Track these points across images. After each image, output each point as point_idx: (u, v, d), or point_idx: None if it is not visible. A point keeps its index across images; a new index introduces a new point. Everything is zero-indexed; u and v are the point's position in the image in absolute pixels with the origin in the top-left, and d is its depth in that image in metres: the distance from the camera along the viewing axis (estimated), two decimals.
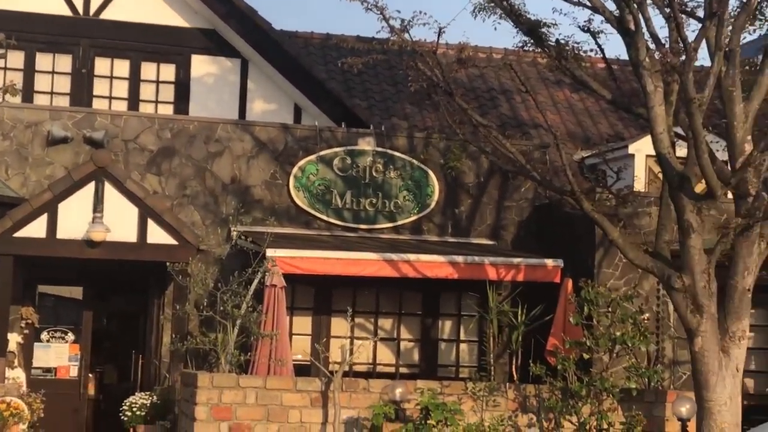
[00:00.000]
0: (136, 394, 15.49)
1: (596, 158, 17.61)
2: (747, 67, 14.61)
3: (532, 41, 13.94)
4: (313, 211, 16.44)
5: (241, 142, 16.38)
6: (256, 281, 14.06)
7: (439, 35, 13.24)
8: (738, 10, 12.76)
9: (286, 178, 16.43)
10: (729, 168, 12.63)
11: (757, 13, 14.24)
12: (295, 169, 16.44)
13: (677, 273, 12.56)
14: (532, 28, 13.68)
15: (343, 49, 17.15)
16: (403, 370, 16.46)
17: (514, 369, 14.82)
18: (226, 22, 17.71)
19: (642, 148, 17.12)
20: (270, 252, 14.31)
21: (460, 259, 15.36)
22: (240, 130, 16.45)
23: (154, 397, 15.12)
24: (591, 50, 13.96)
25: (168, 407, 14.95)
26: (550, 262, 15.54)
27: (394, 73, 19.69)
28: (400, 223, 16.76)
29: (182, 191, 16.11)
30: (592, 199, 14.00)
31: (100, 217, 15.20)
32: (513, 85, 19.83)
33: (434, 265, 15.27)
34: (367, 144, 16.77)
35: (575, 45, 13.78)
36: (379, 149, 16.76)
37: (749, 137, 12.69)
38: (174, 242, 15.44)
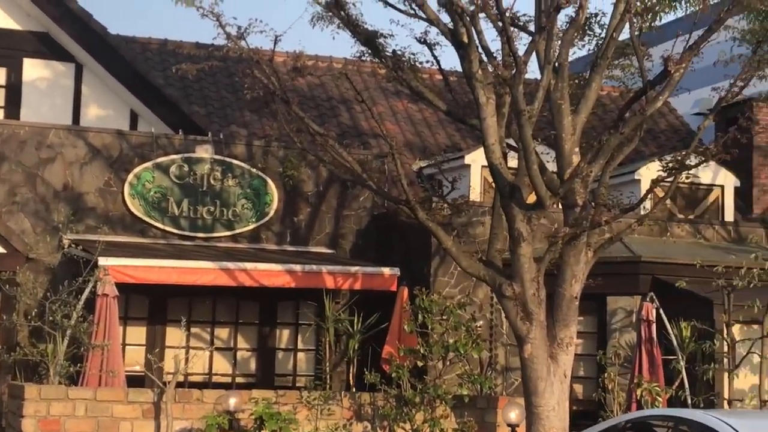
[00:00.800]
0: None
1: (433, 168, 17.85)
2: (577, 81, 15.02)
3: (369, 51, 14.02)
4: (148, 219, 16.18)
5: (74, 148, 16.01)
6: (87, 290, 13.76)
7: (275, 43, 13.20)
8: (567, 25, 13.09)
9: (120, 185, 16.13)
10: (558, 179, 12.93)
11: (586, 28, 14.70)
12: (130, 177, 16.16)
13: (508, 281, 12.78)
14: (369, 39, 13.76)
15: (182, 56, 16.97)
16: (239, 379, 16.34)
17: (350, 377, 14.90)
18: (60, 26, 17.28)
19: (478, 159, 17.43)
20: (102, 261, 14.02)
21: (297, 267, 15.34)
22: (73, 135, 16.08)
23: None
24: (427, 62, 14.12)
25: None
26: (387, 270, 15.66)
27: (234, 81, 19.56)
28: (238, 231, 16.64)
29: (12, 198, 15.64)
30: (428, 208, 14.16)
31: None
32: (353, 94, 19.92)
33: (271, 273, 15.21)
34: (204, 151, 16.61)
35: (412, 56, 13.92)
36: (218, 157, 16.62)
37: (577, 149, 13.01)
38: (2, 250, 14.98)
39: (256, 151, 16.86)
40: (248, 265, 15.09)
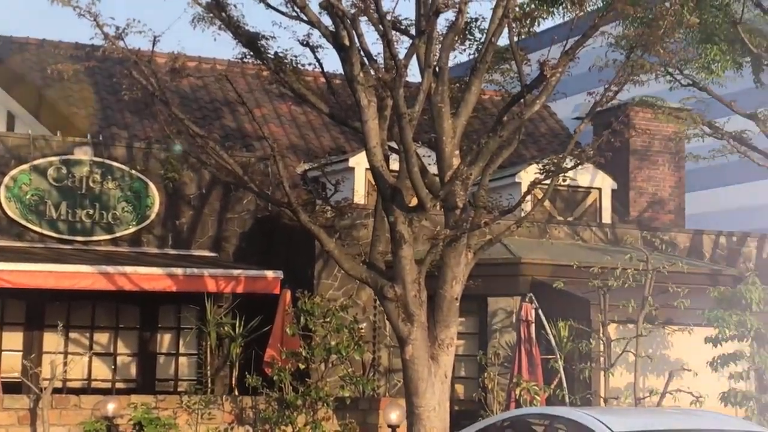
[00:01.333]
0: None
1: (318, 171, 17.82)
2: (458, 85, 15.16)
3: (251, 53, 13.97)
4: (25, 223, 15.86)
5: None
6: None
7: (153, 44, 13.07)
8: (447, 29, 13.21)
9: None
10: (439, 181, 13.04)
11: (466, 33, 14.85)
12: (6, 179, 15.82)
13: (390, 283, 12.85)
14: (250, 40, 13.71)
15: (61, 56, 16.59)
16: (119, 385, 16.11)
17: (233, 381, 14.81)
18: None
19: (362, 162, 17.46)
20: None
21: (179, 271, 15.19)
22: None
23: None
24: (310, 64, 14.12)
25: None
26: (270, 273, 15.60)
27: (114, 82, 19.21)
28: (118, 234, 16.42)
29: None
30: (310, 211, 14.17)
31: None
32: (236, 96, 19.79)
33: (152, 277, 15.03)
34: (84, 153, 16.33)
35: (294, 58, 13.91)
36: (97, 159, 16.36)
37: (457, 152, 13.16)
38: None
39: (136, 153, 16.65)
40: (128, 269, 14.89)
